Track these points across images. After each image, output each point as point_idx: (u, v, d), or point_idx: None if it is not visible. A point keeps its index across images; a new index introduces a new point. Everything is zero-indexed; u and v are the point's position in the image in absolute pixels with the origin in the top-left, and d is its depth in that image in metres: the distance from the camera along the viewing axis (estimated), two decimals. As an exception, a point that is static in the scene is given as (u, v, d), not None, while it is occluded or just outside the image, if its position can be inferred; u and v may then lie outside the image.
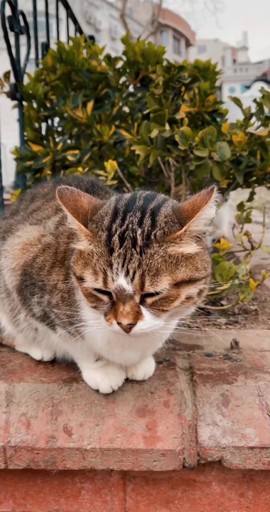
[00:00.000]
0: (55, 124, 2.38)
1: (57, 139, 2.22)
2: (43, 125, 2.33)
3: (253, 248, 1.69)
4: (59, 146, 2.06)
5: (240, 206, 1.89)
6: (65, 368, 1.29)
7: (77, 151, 2.05)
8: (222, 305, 1.76)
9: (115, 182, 1.69)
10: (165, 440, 1.11)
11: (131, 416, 1.14)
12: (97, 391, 1.18)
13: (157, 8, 24.35)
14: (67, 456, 1.13)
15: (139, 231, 0.91)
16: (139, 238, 0.91)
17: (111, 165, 1.67)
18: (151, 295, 0.92)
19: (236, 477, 1.18)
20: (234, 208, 2.08)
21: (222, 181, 1.73)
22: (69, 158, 2.01)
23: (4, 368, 1.31)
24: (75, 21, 3.17)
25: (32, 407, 1.18)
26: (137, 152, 1.71)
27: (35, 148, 2.11)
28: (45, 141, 2.21)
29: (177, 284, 0.92)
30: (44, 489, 1.23)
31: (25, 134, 2.24)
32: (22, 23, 2.20)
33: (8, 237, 1.32)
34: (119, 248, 0.91)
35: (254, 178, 1.82)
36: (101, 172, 1.72)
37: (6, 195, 2.16)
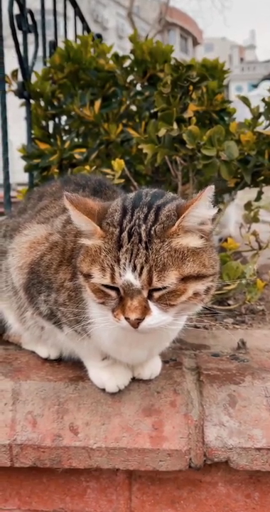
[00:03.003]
0: (63, 123, 2.38)
1: (64, 138, 2.22)
2: (50, 123, 2.32)
3: (260, 248, 1.68)
4: (66, 145, 2.06)
5: (248, 206, 1.89)
6: (71, 366, 1.29)
7: (84, 150, 2.05)
8: (229, 305, 1.75)
9: (122, 181, 1.68)
10: (172, 440, 1.11)
11: (137, 415, 1.14)
12: (103, 390, 1.18)
13: (164, 7, 24.31)
14: (73, 454, 1.13)
15: (143, 226, 0.93)
16: (143, 234, 0.92)
17: (118, 163, 1.67)
18: (159, 290, 0.92)
19: (242, 478, 1.17)
20: (241, 207, 2.07)
21: (230, 180, 1.72)
22: (77, 156, 2.01)
23: (11, 365, 1.31)
24: (83, 20, 3.17)
25: (38, 405, 1.18)
26: (144, 151, 1.71)
27: (43, 146, 2.11)
28: (52, 140, 2.20)
29: (185, 279, 0.93)
30: (49, 488, 1.23)
31: (32, 132, 2.24)
32: (30, 22, 2.19)
33: (16, 235, 1.32)
34: (127, 243, 0.92)
35: (262, 177, 1.81)
36: (108, 170, 1.72)
37: (12, 193, 2.16)
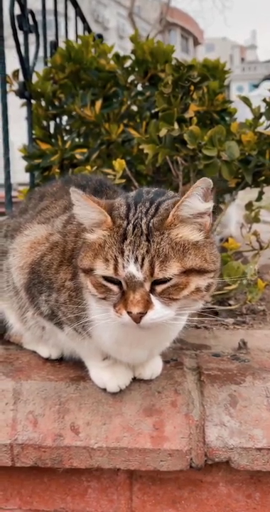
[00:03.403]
0: (64, 123, 2.38)
1: (65, 138, 2.22)
2: (51, 123, 2.32)
3: (261, 248, 1.68)
4: (67, 145, 2.06)
5: (248, 206, 1.88)
6: (72, 366, 1.29)
7: (85, 150, 2.05)
8: (230, 305, 1.75)
9: (123, 181, 1.69)
10: (173, 440, 1.11)
11: (138, 415, 1.14)
12: (104, 390, 1.18)
13: (165, 7, 24.31)
14: (74, 454, 1.13)
15: (144, 220, 0.95)
16: (144, 227, 0.94)
17: (119, 163, 1.67)
18: (161, 283, 0.93)
19: (243, 478, 1.17)
20: (242, 207, 2.06)
21: (231, 181, 1.72)
22: (78, 156, 2.01)
23: (12, 365, 1.31)
24: (84, 20, 3.17)
25: (39, 405, 1.18)
26: (145, 151, 1.71)
27: (44, 146, 2.12)
28: (53, 140, 2.20)
29: (187, 272, 0.93)
30: (50, 487, 1.23)
31: (33, 132, 2.24)
32: (31, 22, 2.19)
33: (17, 235, 1.32)
34: (131, 236, 0.93)
35: (263, 177, 1.81)
36: (109, 171, 1.72)
37: (13, 193, 2.16)
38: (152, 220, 0.95)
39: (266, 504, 1.18)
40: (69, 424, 1.15)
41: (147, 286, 0.93)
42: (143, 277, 0.92)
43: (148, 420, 1.14)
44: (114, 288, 0.96)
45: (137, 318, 0.92)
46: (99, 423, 1.14)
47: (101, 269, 0.95)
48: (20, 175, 2.78)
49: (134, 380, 1.21)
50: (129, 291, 0.93)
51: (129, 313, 0.92)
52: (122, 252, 0.93)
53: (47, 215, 1.32)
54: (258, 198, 1.96)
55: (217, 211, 1.99)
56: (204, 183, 0.94)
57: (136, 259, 0.92)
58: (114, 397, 1.17)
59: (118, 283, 0.95)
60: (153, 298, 0.93)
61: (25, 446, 1.14)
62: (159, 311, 0.93)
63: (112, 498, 1.21)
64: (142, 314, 0.92)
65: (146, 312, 0.92)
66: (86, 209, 0.99)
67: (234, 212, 3.11)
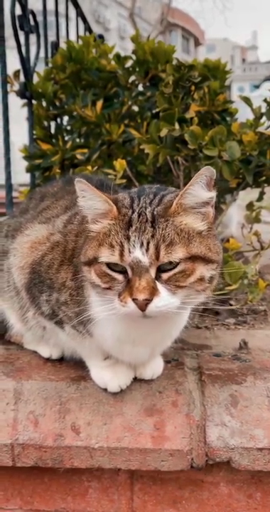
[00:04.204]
0: (64, 123, 2.38)
1: (66, 138, 2.22)
2: (52, 124, 2.33)
3: (262, 248, 1.67)
4: (68, 145, 2.06)
5: (249, 206, 1.88)
6: (73, 366, 1.29)
7: (85, 150, 2.05)
8: (231, 305, 1.75)
9: (124, 181, 1.68)
10: (173, 440, 1.11)
11: (139, 415, 1.14)
12: (105, 390, 1.18)
13: (166, 7, 24.31)
14: (74, 454, 1.13)
15: (149, 208, 0.96)
16: (149, 215, 0.95)
17: (120, 164, 1.67)
18: (167, 270, 0.93)
19: (244, 478, 1.17)
20: (243, 207, 2.06)
21: (232, 181, 1.72)
22: (78, 156, 2.01)
23: (13, 365, 1.31)
24: (85, 20, 3.17)
25: (40, 405, 1.18)
26: (146, 151, 1.71)
27: (44, 146, 2.12)
28: (54, 140, 2.21)
29: (193, 259, 0.94)
30: (51, 487, 1.23)
31: (34, 132, 2.24)
32: (32, 22, 2.20)
33: (18, 235, 1.32)
34: (137, 223, 0.94)
35: (264, 177, 1.81)
36: (110, 171, 1.72)
37: (14, 194, 2.16)
38: (156, 209, 0.96)
39: (267, 504, 1.17)
40: (70, 424, 1.15)
41: (153, 272, 0.93)
42: (149, 262, 0.92)
43: (149, 420, 1.14)
44: (119, 277, 0.95)
45: (143, 306, 0.91)
46: (100, 423, 1.14)
47: (107, 255, 0.95)
48: (20, 175, 2.78)
49: (135, 379, 1.21)
50: (135, 277, 0.92)
51: (135, 300, 0.91)
52: (128, 238, 0.93)
53: (48, 215, 1.32)
54: (259, 198, 1.96)
55: (218, 211, 1.99)
56: (208, 171, 0.95)
57: (142, 243, 0.92)
58: (114, 397, 1.17)
59: (123, 272, 0.95)
60: (159, 285, 0.93)
61: (26, 446, 1.14)
62: (165, 298, 0.93)
63: (113, 498, 1.21)
64: (148, 301, 0.91)
65: (152, 299, 0.91)
66: (92, 199, 0.99)
67: (235, 213, 3.11)
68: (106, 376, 1.18)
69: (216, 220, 1.67)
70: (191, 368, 1.27)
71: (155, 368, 1.22)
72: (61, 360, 1.34)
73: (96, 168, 1.78)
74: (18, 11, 2.08)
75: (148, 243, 0.92)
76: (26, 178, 2.30)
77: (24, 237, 1.28)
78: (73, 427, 1.14)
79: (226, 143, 1.57)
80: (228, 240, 1.69)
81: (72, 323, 1.14)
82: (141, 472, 1.19)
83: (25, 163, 2.19)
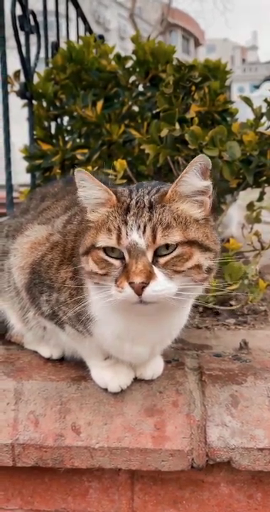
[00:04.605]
0: (65, 123, 2.39)
1: (66, 138, 2.22)
2: (53, 124, 2.33)
3: (263, 248, 1.67)
4: (68, 145, 2.06)
5: (250, 206, 1.88)
6: (73, 366, 1.29)
7: (86, 150, 2.05)
8: (231, 305, 1.75)
9: (124, 181, 1.68)
10: (174, 440, 1.11)
11: (139, 415, 1.14)
12: (106, 390, 1.18)
13: (166, 8, 24.33)
14: (75, 454, 1.13)
15: (147, 197, 0.99)
16: (146, 202, 0.98)
17: (120, 164, 1.67)
18: (164, 255, 0.94)
19: (244, 478, 1.17)
20: (243, 207, 2.06)
21: (232, 181, 1.72)
22: (79, 157, 2.01)
23: (13, 365, 1.31)
24: (85, 21, 3.17)
25: (40, 405, 1.18)
26: (147, 151, 1.71)
27: (45, 147, 2.12)
28: (54, 140, 2.21)
29: (189, 244, 0.95)
30: (52, 487, 1.23)
31: (34, 132, 2.24)
32: (32, 23, 2.20)
33: (18, 236, 1.32)
34: (134, 208, 0.96)
35: (264, 177, 1.81)
36: (110, 171, 1.72)
37: (14, 194, 2.16)
38: (153, 196, 0.99)
39: (267, 504, 1.17)
40: (70, 424, 1.15)
41: (150, 256, 0.94)
42: (146, 244, 0.93)
43: (149, 420, 1.14)
44: (116, 262, 0.96)
45: (139, 289, 0.91)
46: (101, 423, 1.14)
47: (104, 240, 0.97)
48: (21, 176, 2.78)
49: (135, 380, 1.21)
50: (132, 261, 0.93)
51: (131, 284, 0.91)
52: (125, 222, 0.95)
53: (48, 216, 1.33)
54: (260, 199, 1.96)
55: (218, 212, 1.99)
56: (202, 158, 0.96)
57: (139, 226, 0.94)
58: (115, 397, 1.17)
59: (120, 258, 0.96)
60: (155, 269, 0.93)
61: (27, 446, 1.14)
62: (162, 283, 0.93)
63: (113, 499, 1.21)
64: (144, 285, 0.91)
65: (149, 283, 0.91)
66: (91, 188, 1.01)
67: (236, 213, 3.10)
68: (106, 376, 1.18)
69: (216, 220, 1.67)
70: (191, 368, 1.27)
71: (156, 368, 1.22)
72: (61, 360, 1.34)
73: (96, 168, 1.78)
74: (18, 11, 2.08)
75: (145, 226, 0.93)
76: (27, 178, 2.30)
77: (24, 238, 1.29)
78: (74, 427, 1.14)
79: (226, 143, 1.57)
80: (228, 240, 1.69)
81: (72, 323, 1.14)
82: (141, 472, 1.19)
83: (25, 164, 2.19)
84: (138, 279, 0.90)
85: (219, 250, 1.03)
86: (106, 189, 1.00)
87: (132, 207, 0.97)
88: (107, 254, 0.97)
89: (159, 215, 0.95)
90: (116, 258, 0.96)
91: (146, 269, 0.92)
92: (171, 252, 0.94)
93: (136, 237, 0.93)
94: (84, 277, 1.07)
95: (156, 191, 1.01)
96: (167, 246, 0.94)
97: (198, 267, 0.96)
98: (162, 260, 0.94)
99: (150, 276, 0.92)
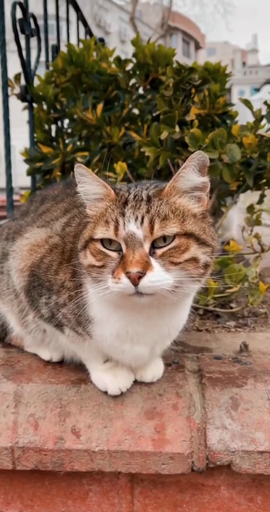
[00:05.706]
0: (65, 126, 2.39)
1: (66, 141, 2.23)
2: (53, 127, 2.33)
3: (263, 251, 1.67)
4: (68, 148, 2.07)
5: (250, 208, 1.88)
6: (73, 369, 1.29)
7: (86, 153, 2.05)
8: (231, 308, 1.75)
9: (124, 183, 1.69)
10: (174, 443, 1.11)
11: (139, 418, 1.14)
12: (106, 393, 1.18)
13: (167, 11, 24.40)
14: (75, 457, 1.13)
15: (145, 192, 1.01)
16: (144, 196, 1.00)
17: (120, 166, 1.67)
18: (161, 247, 0.95)
19: (245, 482, 1.17)
20: (244, 210, 2.06)
21: (232, 183, 1.72)
22: (79, 159, 2.01)
23: (13, 368, 1.31)
24: (85, 24, 3.18)
25: (40, 408, 1.18)
26: (147, 154, 1.71)
27: (45, 149, 2.12)
28: (54, 143, 2.21)
29: (187, 236, 0.96)
30: (51, 491, 1.22)
31: (35, 135, 2.25)
32: (33, 26, 2.21)
33: (18, 238, 1.32)
34: (132, 201, 0.99)
35: (264, 180, 1.81)
36: (110, 174, 1.72)
37: (15, 197, 2.16)
38: (152, 191, 1.01)
39: (268, 508, 1.17)
40: (70, 427, 1.14)
41: (147, 246, 0.94)
42: (143, 235, 0.94)
43: (149, 423, 1.13)
44: (113, 254, 0.97)
45: (135, 279, 0.91)
46: (100, 426, 1.14)
47: (102, 231, 0.98)
48: (21, 178, 2.79)
49: (135, 382, 1.20)
50: (129, 251, 0.94)
51: (128, 273, 0.92)
52: (123, 214, 0.96)
53: (48, 218, 1.33)
54: (260, 201, 1.95)
55: (218, 214, 1.99)
56: (200, 155, 0.98)
57: (136, 218, 0.95)
58: (115, 400, 1.17)
59: (117, 250, 0.97)
60: (152, 260, 0.94)
61: (26, 450, 1.14)
62: (158, 274, 0.93)
63: (113, 502, 1.21)
64: (141, 275, 0.92)
65: (145, 273, 0.92)
66: (90, 183, 1.03)
67: (236, 215, 3.11)
68: (106, 379, 1.17)
69: (216, 222, 1.67)
70: (191, 371, 1.26)
71: (156, 370, 1.22)
72: (61, 363, 1.34)
73: (96, 170, 1.78)
74: (19, 14, 2.09)
75: (142, 217, 0.95)
76: (27, 181, 2.30)
77: (23, 240, 1.29)
78: (73, 430, 1.14)
79: (226, 145, 1.57)
80: (228, 243, 1.69)
81: (72, 325, 1.14)
82: (141, 475, 1.18)
83: (26, 166, 2.19)
84: (134, 269, 0.91)
85: (217, 247, 1.04)
86: (104, 184, 1.02)
87: (130, 200, 0.99)
88: (105, 247, 0.98)
89: (157, 207, 0.97)
90: (114, 250, 0.98)
91: (143, 260, 0.92)
92: (168, 244, 0.95)
93: (133, 228, 0.94)
94: (83, 275, 1.08)
95: (154, 187, 1.03)
96: (164, 239, 0.95)
97: (195, 260, 0.97)
98: (159, 251, 0.95)
99: (146, 266, 0.92)
